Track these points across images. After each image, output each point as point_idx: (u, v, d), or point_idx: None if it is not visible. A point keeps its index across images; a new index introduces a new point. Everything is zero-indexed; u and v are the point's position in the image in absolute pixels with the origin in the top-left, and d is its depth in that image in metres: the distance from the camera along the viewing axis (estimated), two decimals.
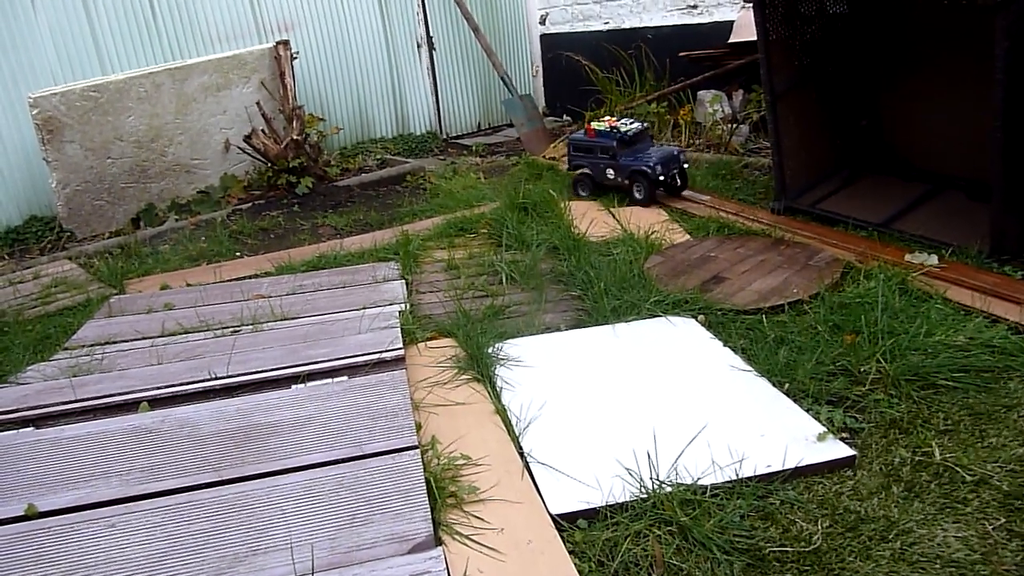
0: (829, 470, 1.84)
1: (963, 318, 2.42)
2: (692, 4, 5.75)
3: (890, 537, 1.60)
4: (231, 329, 2.85)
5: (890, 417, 2.01)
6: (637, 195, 4.08)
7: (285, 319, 2.92)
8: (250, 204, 4.92)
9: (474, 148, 6.42)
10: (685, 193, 4.12)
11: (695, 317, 2.68)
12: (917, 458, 1.84)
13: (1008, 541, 1.56)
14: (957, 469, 1.78)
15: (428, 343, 2.65)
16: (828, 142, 3.75)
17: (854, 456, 1.86)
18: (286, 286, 3.33)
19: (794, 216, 3.57)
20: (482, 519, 1.73)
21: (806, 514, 1.69)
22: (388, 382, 2.26)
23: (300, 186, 5.00)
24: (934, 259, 2.83)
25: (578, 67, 6.38)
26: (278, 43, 5.28)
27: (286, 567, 1.57)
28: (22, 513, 1.78)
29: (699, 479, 1.79)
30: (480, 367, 2.42)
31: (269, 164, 5.05)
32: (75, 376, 2.51)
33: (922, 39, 3.47)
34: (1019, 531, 1.58)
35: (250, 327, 2.86)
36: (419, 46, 6.58)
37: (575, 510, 1.73)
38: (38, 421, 2.27)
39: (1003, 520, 1.62)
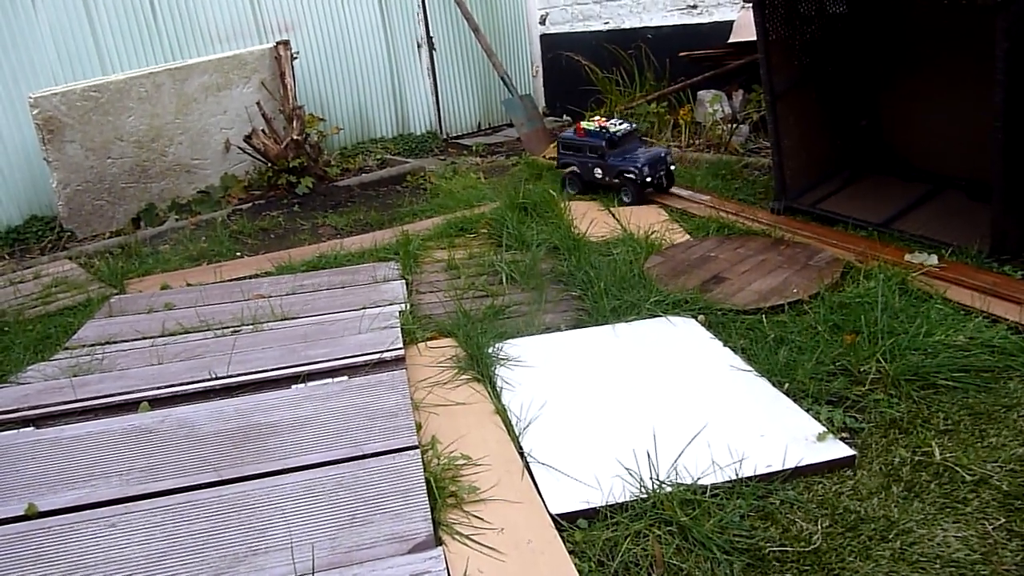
0: (829, 470, 1.84)
1: (963, 318, 2.42)
2: (692, 4, 5.75)
3: (890, 537, 1.60)
4: (231, 329, 2.85)
5: (890, 417, 2.01)
6: (625, 198, 4.14)
7: (285, 319, 2.92)
8: (250, 204, 4.92)
9: (474, 148, 6.42)
10: (684, 193, 4.13)
11: (695, 317, 2.69)
12: (917, 458, 1.84)
13: (1008, 541, 1.56)
14: (957, 469, 1.78)
15: (428, 343, 2.65)
16: (828, 142, 3.75)
17: (854, 456, 1.86)
18: (286, 286, 3.33)
19: (794, 216, 3.57)
20: (482, 519, 1.73)
21: (806, 514, 1.69)
22: (388, 382, 2.26)
23: (300, 186, 5.00)
24: (934, 259, 2.83)
25: (578, 67, 6.38)
26: (278, 43, 5.28)
27: (286, 567, 1.57)
28: (22, 513, 1.78)
29: (699, 479, 1.79)
30: (480, 367, 2.42)
31: (269, 164, 5.05)
32: (75, 376, 2.51)
33: (922, 39, 3.47)
34: (1019, 531, 1.58)
35: (250, 327, 2.86)
36: (419, 46, 6.58)
37: (575, 510, 1.73)
38: (38, 421, 2.27)
39: (1003, 520, 1.62)
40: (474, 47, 6.60)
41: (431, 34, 6.59)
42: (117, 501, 1.80)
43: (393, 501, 1.74)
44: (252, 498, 1.78)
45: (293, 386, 2.34)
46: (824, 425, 1.97)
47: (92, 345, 2.81)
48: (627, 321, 2.70)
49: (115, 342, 2.84)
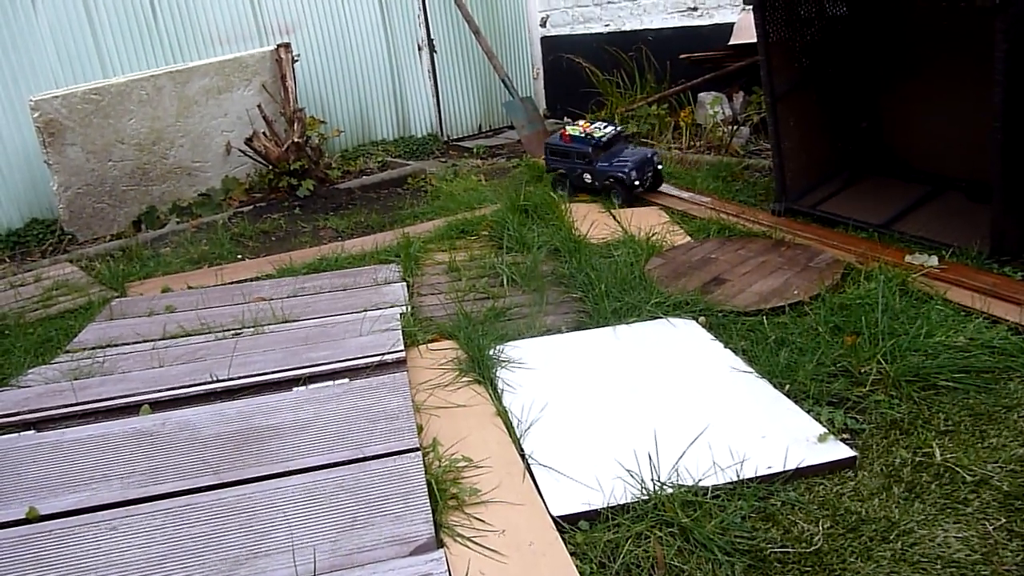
0: (830, 471, 1.84)
1: (963, 319, 2.42)
2: (692, 6, 5.76)
3: (891, 538, 1.60)
4: (232, 332, 2.86)
5: (891, 418, 2.01)
6: (615, 199, 4.17)
7: (286, 321, 2.93)
8: (251, 207, 4.92)
9: (475, 150, 6.43)
10: (685, 195, 4.14)
11: (696, 319, 2.69)
12: (918, 459, 1.84)
13: (1008, 541, 1.56)
14: (958, 470, 1.78)
15: (429, 345, 2.66)
16: (828, 144, 3.76)
17: (855, 457, 1.86)
18: (287, 288, 3.34)
19: (795, 218, 3.57)
20: (483, 521, 1.73)
21: (807, 515, 1.69)
22: (389, 384, 2.27)
23: (301, 188, 5.01)
24: (934, 260, 2.83)
25: (579, 69, 6.39)
26: (279, 46, 5.29)
27: (287, 570, 1.57)
28: (23, 516, 1.78)
29: (700, 480, 1.79)
30: (481, 369, 2.42)
31: (270, 167, 5.05)
32: (76, 379, 2.52)
33: (921, 41, 3.47)
34: (1019, 531, 1.58)
35: (251, 330, 2.86)
36: (420, 48, 6.59)
37: (576, 512, 1.73)
38: (39, 424, 2.27)
39: (1003, 520, 1.62)
40: (475, 49, 6.61)
41: (432, 36, 6.60)
42: (118, 504, 1.81)
43: (394, 503, 1.74)
44: (253, 501, 1.78)
45: (294, 389, 2.34)
46: (825, 426, 1.97)
47: (93, 348, 2.82)
48: (628, 323, 2.70)
49: (116, 345, 2.84)
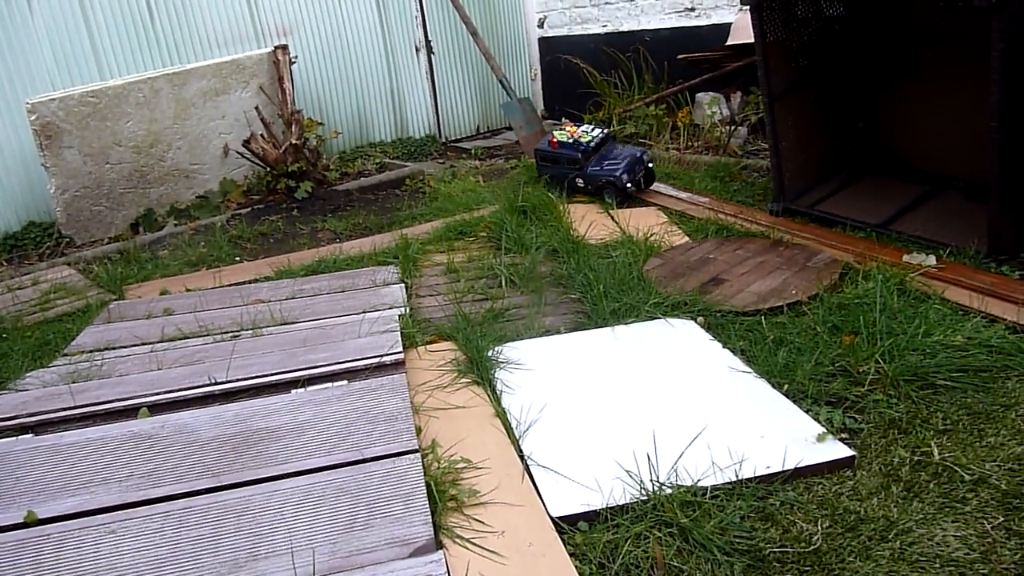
0: (829, 470, 1.84)
1: (961, 318, 2.42)
2: (690, 7, 5.77)
3: (890, 537, 1.60)
4: (231, 334, 2.85)
5: (889, 417, 2.01)
6: (608, 199, 4.20)
7: (285, 323, 2.93)
8: (249, 209, 4.92)
9: (473, 151, 6.43)
10: (683, 195, 4.15)
11: (694, 319, 2.69)
12: (916, 458, 1.84)
13: (1007, 540, 1.57)
14: (956, 469, 1.78)
15: (428, 347, 2.66)
16: (826, 144, 3.76)
17: (853, 456, 1.86)
18: (285, 290, 3.33)
19: (793, 217, 3.58)
20: (483, 522, 1.73)
21: (806, 515, 1.69)
22: (388, 386, 2.27)
23: (299, 190, 5.01)
24: (932, 259, 2.84)
25: (576, 70, 6.39)
26: (276, 47, 5.29)
27: (287, 572, 1.57)
28: (21, 520, 1.78)
29: (699, 480, 1.79)
30: (480, 370, 2.42)
31: (268, 169, 5.05)
32: (74, 382, 2.51)
33: (919, 41, 3.48)
34: (1018, 530, 1.59)
35: (250, 332, 2.86)
36: (418, 50, 6.59)
37: (576, 512, 1.73)
38: (37, 428, 2.27)
39: (1002, 519, 1.62)
40: (472, 51, 6.61)
41: (429, 38, 6.60)
42: (117, 508, 1.80)
43: (394, 505, 1.74)
44: (252, 503, 1.78)
45: (293, 391, 2.34)
46: (823, 426, 1.98)
47: (91, 351, 2.81)
48: (626, 323, 2.70)
49: (114, 348, 2.83)
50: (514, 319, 2.89)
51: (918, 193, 3.49)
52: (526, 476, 1.89)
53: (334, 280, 3.41)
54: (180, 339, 2.87)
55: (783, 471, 1.81)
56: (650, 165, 4.26)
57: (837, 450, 1.88)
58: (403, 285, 3.27)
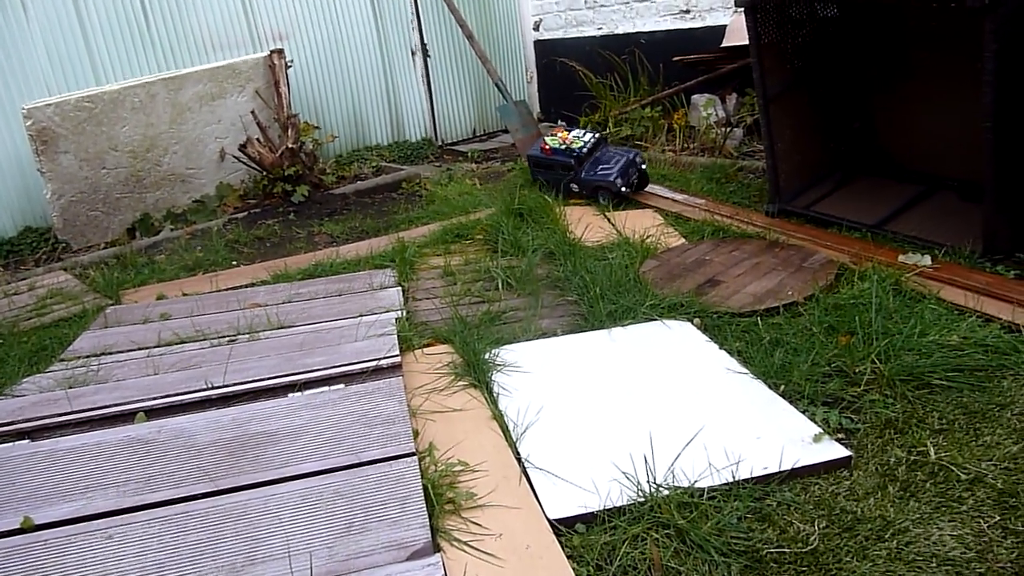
0: (825, 471, 1.84)
1: (956, 318, 2.43)
2: (685, 9, 5.78)
3: (886, 537, 1.61)
4: (227, 338, 2.85)
5: (885, 417, 2.02)
6: (602, 201, 4.22)
7: (281, 327, 2.92)
8: (246, 213, 4.92)
9: (469, 154, 6.43)
10: (679, 197, 4.15)
11: (691, 320, 2.69)
12: (912, 458, 1.85)
13: (1003, 539, 1.57)
14: (952, 468, 1.78)
15: (425, 350, 2.66)
16: (821, 145, 3.77)
17: (850, 456, 1.86)
18: (282, 294, 3.33)
19: (788, 219, 3.58)
20: (480, 525, 1.73)
21: (803, 515, 1.70)
22: (385, 389, 2.27)
23: (296, 194, 5.01)
24: (927, 260, 2.85)
25: (572, 73, 6.40)
26: (272, 52, 5.29)
27: None
28: (18, 526, 1.77)
29: (696, 482, 1.79)
30: (477, 373, 2.42)
31: (265, 173, 5.05)
32: (71, 387, 2.51)
33: (913, 42, 3.49)
34: (1014, 529, 1.59)
35: (246, 336, 2.86)
36: (413, 53, 6.60)
37: (573, 514, 1.74)
38: (34, 433, 2.26)
39: (998, 518, 1.62)
40: (468, 54, 6.62)
41: (425, 41, 6.61)
42: (113, 513, 1.80)
43: (391, 508, 1.74)
44: (249, 508, 1.77)
45: (290, 395, 2.33)
46: (820, 426, 1.98)
47: (87, 356, 2.81)
48: (623, 325, 2.71)
49: (111, 353, 2.83)
50: (511, 322, 2.89)
51: (913, 193, 3.50)
52: (523, 478, 1.89)
53: (331, 284, 3.41)
54: (177, 344, 2.86)
55: (780, 472, 1.81)
56: (644, 167, 4.28)
57: (833, 450, 1.88)
58: (400, 288, 3.27)
